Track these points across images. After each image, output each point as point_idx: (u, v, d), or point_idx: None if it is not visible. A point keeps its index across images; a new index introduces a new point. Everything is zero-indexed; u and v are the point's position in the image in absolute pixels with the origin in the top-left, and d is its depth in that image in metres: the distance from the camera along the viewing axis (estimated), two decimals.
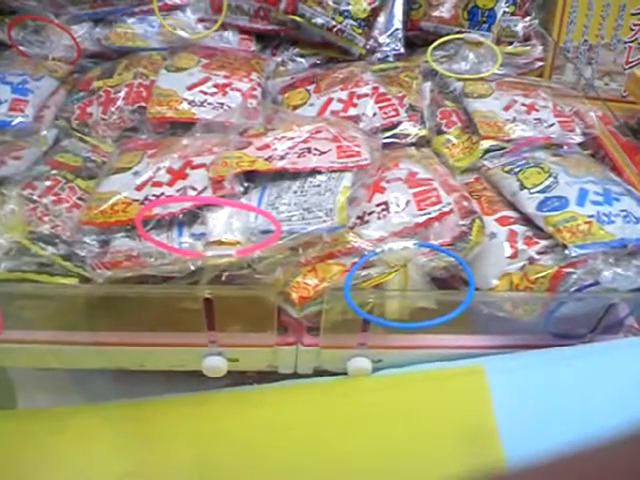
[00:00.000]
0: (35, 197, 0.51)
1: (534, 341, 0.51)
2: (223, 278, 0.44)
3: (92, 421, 0.51)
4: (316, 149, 0.48)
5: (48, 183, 0.52)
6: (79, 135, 0.60)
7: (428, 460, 0.48)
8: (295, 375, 0.54)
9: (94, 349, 0.51)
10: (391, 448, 0.48)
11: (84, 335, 0.50)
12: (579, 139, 0.62)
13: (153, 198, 0.46)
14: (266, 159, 0.47)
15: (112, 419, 0.51)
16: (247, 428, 0.50)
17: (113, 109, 0.62)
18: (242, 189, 0.46)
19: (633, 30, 0.77)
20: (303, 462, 0.49)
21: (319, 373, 0.53)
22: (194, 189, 0.47)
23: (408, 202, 0.47)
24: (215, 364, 0.50)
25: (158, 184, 0.48)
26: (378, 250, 0.44)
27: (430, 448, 0.48)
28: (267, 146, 0.49)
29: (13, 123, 0.58)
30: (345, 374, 0.51)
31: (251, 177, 0.48)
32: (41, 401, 0.59)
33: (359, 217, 0.47)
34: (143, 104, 0.61)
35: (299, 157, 0.47)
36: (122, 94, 0.62)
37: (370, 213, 0.47)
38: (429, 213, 0.46)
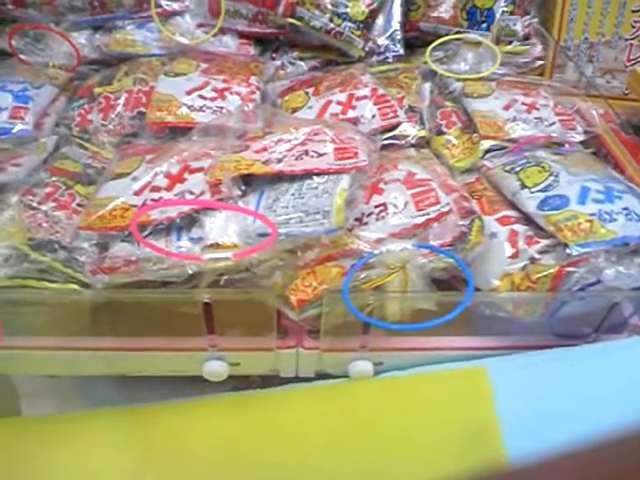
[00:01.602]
0: (35, 204, 0.51)
1: (537, 342, 0.51)
2: (222, 282, 0.44)
3: (97, 427, 0.51)
4: (314, 151, 0.48)
5: (48, 190, 0.53)
6: (79, 142, 0.61)
7: (431, 462, 0.47)
8: (298, 379, 0.54)
9: (95, 355, 0.51)
10: (393, 450, 0.48)
11: (84, 341, 0.50)
12: (580, 137, 0.62)
13: (152, 203, 0.46)
14: (264, 162, 0.47)
15: (117, 425, 0.51)
16: (249, 432, 0.50)
17: (113, 115, 0.62)
18: (240, 192, 0.46)
19: (634, 27, 0.76)
20: (306, 465, 0.49)
21: (321, 377, 0.53)
22: (192, 193, 0.47)
23: (406, 203, 0.47)
24: (216, 368, 0.50)
25: (156, 189, 0.48)
26: (376, 252, 0.44)
27: (433, 450, 0.48)
28: (265, 149, 0.49)
29: (13, 131, 0.58)
30: (347, 377, 0.51)
31: (249, 180, 0.48)
32: (45, 408, 0.59)
33: (357, 219, 0.47)
34: (143, 110, 0.61)
35: (297, 160, 0.47)
36: (122, 100, 0.63)
37: (369, 215, 0.47)
38: (428, 214, 0.46)
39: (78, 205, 0.52)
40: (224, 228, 0.43)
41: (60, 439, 0.51)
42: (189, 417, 0.51)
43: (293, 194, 0.46)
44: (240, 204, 0.45)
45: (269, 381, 0.54)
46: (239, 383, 0.55)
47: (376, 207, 0.47)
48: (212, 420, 0.51)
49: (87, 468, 0.50)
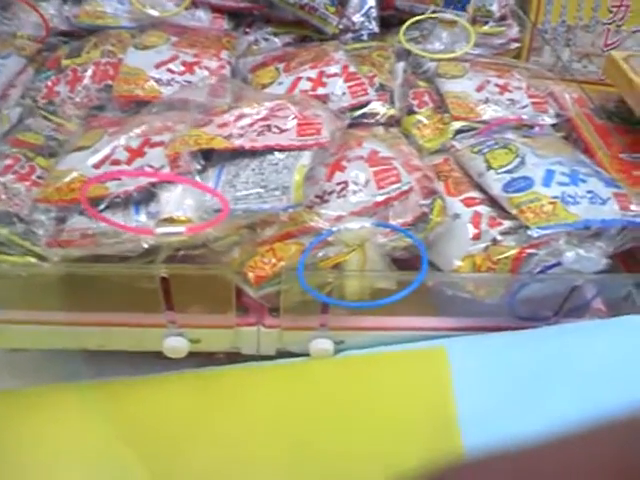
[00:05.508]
0: None
1: (498, 323, 0.51)
2: (179, 257, 0.44)
3: (63, 401, 0.51)
4: (276, 127, 0.47)
5: (8, 161, 0.51)
6: (43, 114, 0.59)
7: (388, 441, 0.47)
8: (261, 356, 0.53)
9: (56, 329, 0.50)
10: (352, 429, 0.48)
11: (42, 315, 0.49)
12: (552, 120, 0.61)
13: (101, 174, 0.45)
14: (225, 137, 0.47)
15: (83, 399, 0.51)
16: (209, 410, 0.50)
17: (80, 88, 0.61)
18: (199, 167, 0.45)
19: (612, 12, 0.75)
20: (265, 443, 0.48)
21: (284, 354, 0.53)
22: (152, 167, 0.47)
23: (368, 181, 0.46)
24: (175, 345, 0.49)
25: (116, 162, 0.47)
26: (334, 229, 0.43)
27: (391, 429, 0.48)
28: (227, 124, 0.48)
29: None
30: (308, 355, 0.51)
31: (210, 155, 0.47)
32: (7, 382, 0.58)
33: (319, 196, 0.47)
34: (110, 82, 0.60)
35: (258, 135, 0.47)
36: (89, 72, 0.61)
37: (330, 192, 0.47)
38: (388, 192, 0.46)
39: (38, 177, 0.51)
40: (180, 202, 0.42)
41: (25, 413, 0.50)
42: (154, 392, 0.51)
43: (254, 169, 0.45)
44: (199, 179, 0.45)
45: (234, 358, 0.53)
46: (204, 360, 0.54)
47: (338, 184, 0.47)
48: (174, 396, 0.51)
49: (53, 442, 0.49)
